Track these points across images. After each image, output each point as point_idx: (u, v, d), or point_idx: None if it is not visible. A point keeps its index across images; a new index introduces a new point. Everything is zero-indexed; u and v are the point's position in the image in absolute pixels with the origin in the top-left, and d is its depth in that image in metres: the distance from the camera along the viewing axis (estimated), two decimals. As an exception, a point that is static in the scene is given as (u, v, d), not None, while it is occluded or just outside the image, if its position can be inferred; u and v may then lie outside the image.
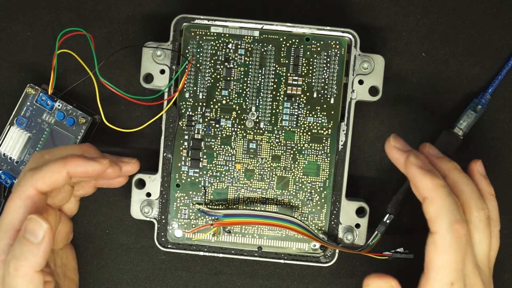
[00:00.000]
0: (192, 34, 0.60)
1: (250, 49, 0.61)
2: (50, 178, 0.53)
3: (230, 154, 0.61)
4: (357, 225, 0.61)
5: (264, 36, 0.60)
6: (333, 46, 0.60)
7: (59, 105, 0.62)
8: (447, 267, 0.51)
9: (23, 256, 0.50)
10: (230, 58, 0.61)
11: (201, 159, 0.61)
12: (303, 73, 0.61)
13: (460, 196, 0.54)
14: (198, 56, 0.61)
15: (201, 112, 0.61)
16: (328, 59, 0.60)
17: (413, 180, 0.53)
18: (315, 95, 0.61)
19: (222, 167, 0.61)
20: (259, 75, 0.61)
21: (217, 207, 0.61)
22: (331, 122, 0.61)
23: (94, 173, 0.54)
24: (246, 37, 0.60)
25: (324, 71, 0.60)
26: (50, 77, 0.61)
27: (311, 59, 0.60)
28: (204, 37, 0.61)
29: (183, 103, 0.61)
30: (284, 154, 0.61)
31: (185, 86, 0.61)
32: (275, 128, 0.61)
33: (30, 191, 0.52)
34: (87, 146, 0.57)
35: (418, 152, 0.55)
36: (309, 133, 0.61)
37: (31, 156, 0.56)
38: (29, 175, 0.53)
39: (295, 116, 0.61)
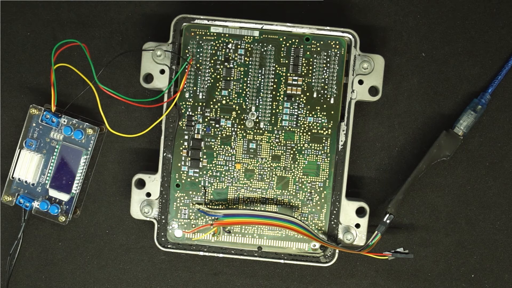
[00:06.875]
0: (192, 34, 0.60)
1: (250, 49, 0.61)
2: None
3: (230, 154, 0.61)
4: (357, 225, 0.61)
5: (264, 36, 0.60)
6: (333, 46, 0.60)
7: (64, 121, 0.62)
8: None
9: None
10: (230, 58, 0.61)
11: (201, 159, 0.61)
12: (303, 73, 0.60)
13: None
14: (198, 56, 0.61)
15: (201, 112, 0.61)
16: (328, 59, 0.60)
17: None
18: (315, 95, 0.61)
19: (222, 167, 0.61)
20: (259, 75, 0.61)
21: (217, 207, 0.61)
22: (331, 122, 0.61)
23: None
24: (246, 37, 0.60)
25: (324, 71, 0.60)
26: (51, 94, 0.61)
27: (311, 59, 0.60)
28: (204, 37, 0.60)
29: (183, 103, 0.61)
30: (284, 154, 0.61)
31: (185, 86, 0.61)
32: (275, 128, 0.61)
33: None
34: None
35: None
36: (309, 133, 0.61)
37: None
38: None
39: (295, 116, 0.61)
